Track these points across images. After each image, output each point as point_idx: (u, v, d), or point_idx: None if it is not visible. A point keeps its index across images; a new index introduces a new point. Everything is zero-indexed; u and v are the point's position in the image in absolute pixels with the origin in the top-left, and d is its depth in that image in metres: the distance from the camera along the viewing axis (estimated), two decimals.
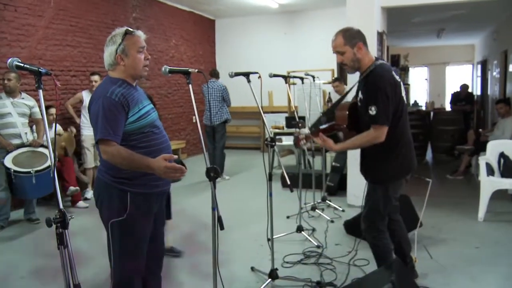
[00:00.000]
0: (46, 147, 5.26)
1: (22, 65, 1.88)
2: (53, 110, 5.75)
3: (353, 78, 5.65)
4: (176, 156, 2.30)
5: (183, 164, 2.38)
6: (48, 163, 5.02)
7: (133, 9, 8.30)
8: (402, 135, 2.97)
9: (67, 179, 5.69)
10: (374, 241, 3.14)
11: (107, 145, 2.26)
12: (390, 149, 2.93)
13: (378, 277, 2.91)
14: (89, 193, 6.27)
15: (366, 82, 2.91)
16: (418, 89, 15.13)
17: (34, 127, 5.56)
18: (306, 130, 3.06)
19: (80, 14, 6.98)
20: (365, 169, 3.13)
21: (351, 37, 2.90)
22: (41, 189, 5.04)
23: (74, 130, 6.31)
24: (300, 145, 3.10)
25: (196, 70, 2.75)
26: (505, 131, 6.77)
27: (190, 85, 2.58)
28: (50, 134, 2.02)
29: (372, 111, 2.78)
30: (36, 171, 4.89)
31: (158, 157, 2.26)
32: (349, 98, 3.34)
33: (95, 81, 6.17)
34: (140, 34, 2.45)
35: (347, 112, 3.06)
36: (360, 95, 2.99)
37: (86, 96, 6.33)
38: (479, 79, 13.19)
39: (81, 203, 5.92)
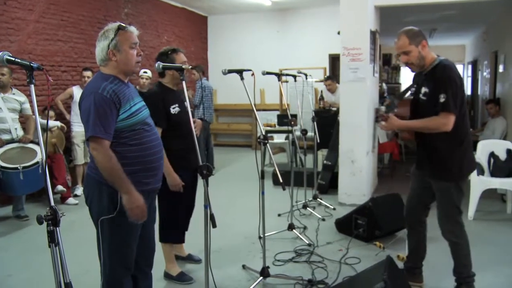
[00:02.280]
0: (36, 143, 5.26)
1: (13, 59, 1.84)
2: (51, 113, 5.75)
3: (345, 77, 5.67)
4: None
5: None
6: (36, 159, 4.97)
7: (125, 4, 8.23)
8: (467, 130, 3.05)
9: (56, 176, 5.64)
10: (457, 239, 3.10)
11: (98, 143, 2.24)
12: (461, 144, 2.98)
13: (370, 275, 2.92)
14: (79, 190, 6.22)
15: (434, 75, 2.96)
16: None
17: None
18: (383, 108, 3.17)
19: (71, 8, 6.91)
20: (434, 169, 3.07)
21: (415, 36, 2.96)
22: (29, 186, 4.99)
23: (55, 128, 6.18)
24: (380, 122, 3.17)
25: (190, 66, 2.74)
26: (495, 131, 6.83)
27: (184, 82, 2.58)
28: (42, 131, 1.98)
29: (442, 98, 2.84)
30: (24, 167, 4.83)
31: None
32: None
33: (88, 77, 6.11)
34: (133, 30, 2.43)
35: (409, 108, 3.16)
36: (424, 89, 3.03)
37: (77, 91, 6.27)
38: (469, 79, 13.28)
39: (71, 200, 5.87)
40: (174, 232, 3.61)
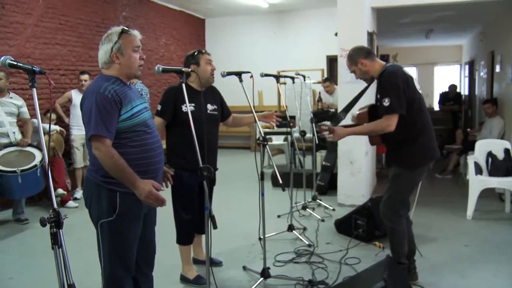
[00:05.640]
0: (34, 146, 5.27)
1: (16, 63, 1.85)
2: (52, 116, 5.77)
3: (342, 79, 5.69)
4: (163, 188, 2.30)
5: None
6: (34, 163, 4.97)
7: (123, 7, 8.25)
8: (423, 126, 3.25)
9: (56, 179, 5.65)
10: (392, 225, 3.32)
11: (100, 142, 2.24)
12: (414, 139, 3.21)
13: (370, 274, 2.93)
14: (79, 193, 6.22)
15: (380, 82, 3.24)
16: None
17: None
18: (328, 123, 3.38)
19: (69, 12, 6.93)
20: (392, 157, 3.38)
21: (351, 58, 3.33)
22: (28, 189, 4.98)
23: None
24: (323, 134, 3.36)
25: (190, 69, 2.76)
26: (492, 131, 6.85)
27: (184, 85, 2.59)
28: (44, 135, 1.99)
29: (386, 102, 3.08)
30: (22, 170, 4.81)
31: (148, 181, 2.28)
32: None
33: (85, 80, 6.14)
34: (136, 34, 2.45)
35: (367, 110, 3.41)
36: (377, 95, 3.27)
37: (75, 95, 6.28)
38: (466, 79, 13.31)
39: (70, 203, 5.87)
40: (183, 233, 3.57)
